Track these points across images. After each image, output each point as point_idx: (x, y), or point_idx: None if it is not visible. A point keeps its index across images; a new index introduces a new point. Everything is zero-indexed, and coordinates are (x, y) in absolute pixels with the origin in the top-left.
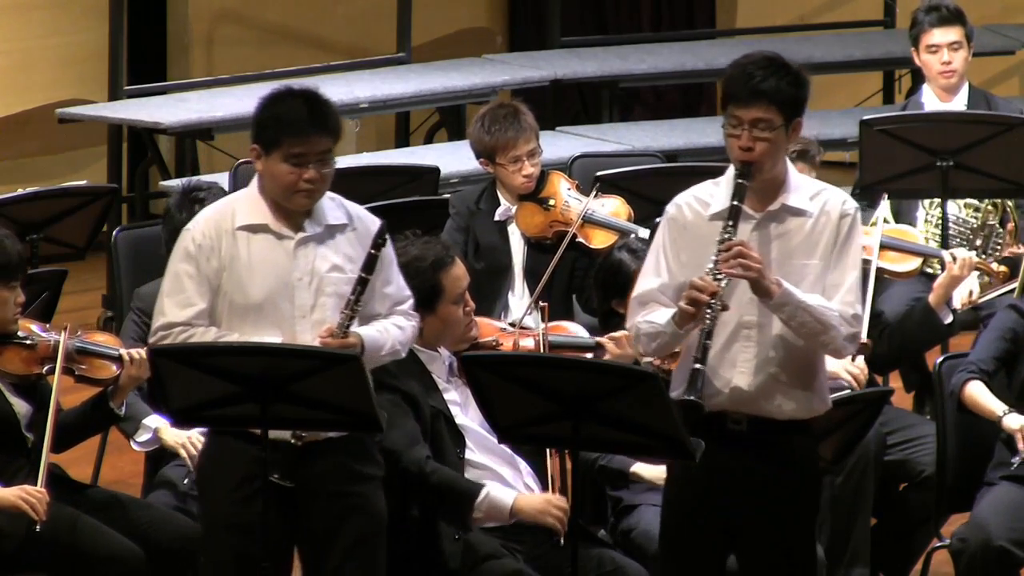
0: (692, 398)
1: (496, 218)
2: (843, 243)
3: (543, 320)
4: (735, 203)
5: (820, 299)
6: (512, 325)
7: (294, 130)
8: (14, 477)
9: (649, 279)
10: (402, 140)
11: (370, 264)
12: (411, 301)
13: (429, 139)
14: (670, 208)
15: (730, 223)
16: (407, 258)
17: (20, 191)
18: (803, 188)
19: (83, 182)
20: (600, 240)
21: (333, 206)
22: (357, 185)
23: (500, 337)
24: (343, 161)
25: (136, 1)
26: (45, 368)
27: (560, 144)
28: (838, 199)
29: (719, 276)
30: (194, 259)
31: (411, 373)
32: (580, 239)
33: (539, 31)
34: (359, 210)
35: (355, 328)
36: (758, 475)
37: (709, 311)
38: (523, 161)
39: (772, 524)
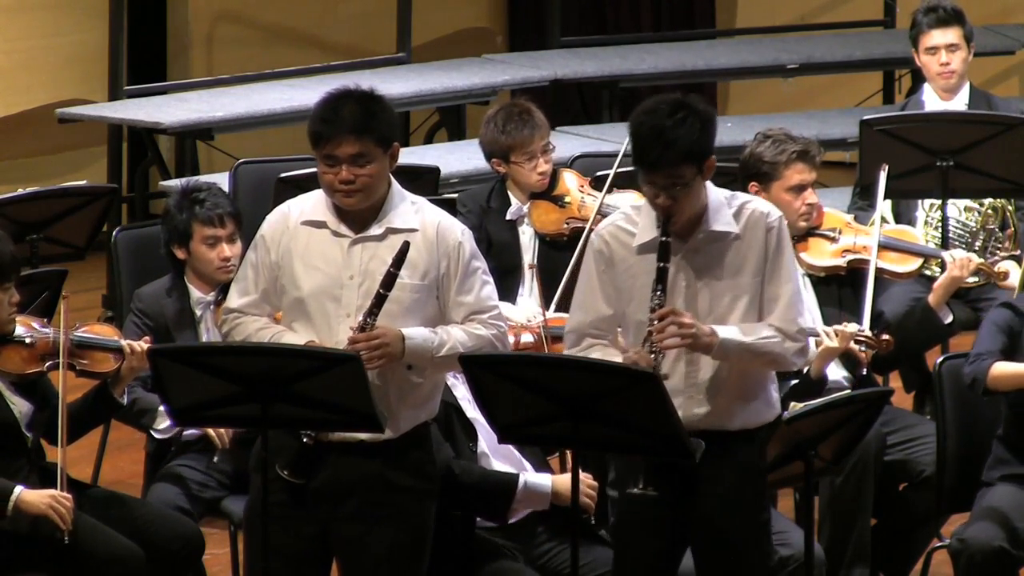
0: (645, 491)
1: (508, 217)
2: (774, 256)
3: (538, 290)
4: (661, 264)
5: (760, 330)
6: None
7: (325, 131)
8: (14, 477)
9: (579, 314)
10: (402, 140)
11: (388, 281)
12: (496, 312)
13: (429, 139)
14: (595, 240)
15: (659, 288)
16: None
17: (20, 191)
18: (724, 207)
19: (83, 182)
20: None
21: (409, 210)
22: None
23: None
24: None
25: (136, 1)
26: (46, 365)
27: (560, 144)
28: (760, 212)
29: (655, 349)
30: (257, 249)
31: None
32: None
33: (539, 31)
34: (439, 217)
35: (404, 328)
36: (706, 479)
37: None
38: (538, 158)
39: (721, 527)
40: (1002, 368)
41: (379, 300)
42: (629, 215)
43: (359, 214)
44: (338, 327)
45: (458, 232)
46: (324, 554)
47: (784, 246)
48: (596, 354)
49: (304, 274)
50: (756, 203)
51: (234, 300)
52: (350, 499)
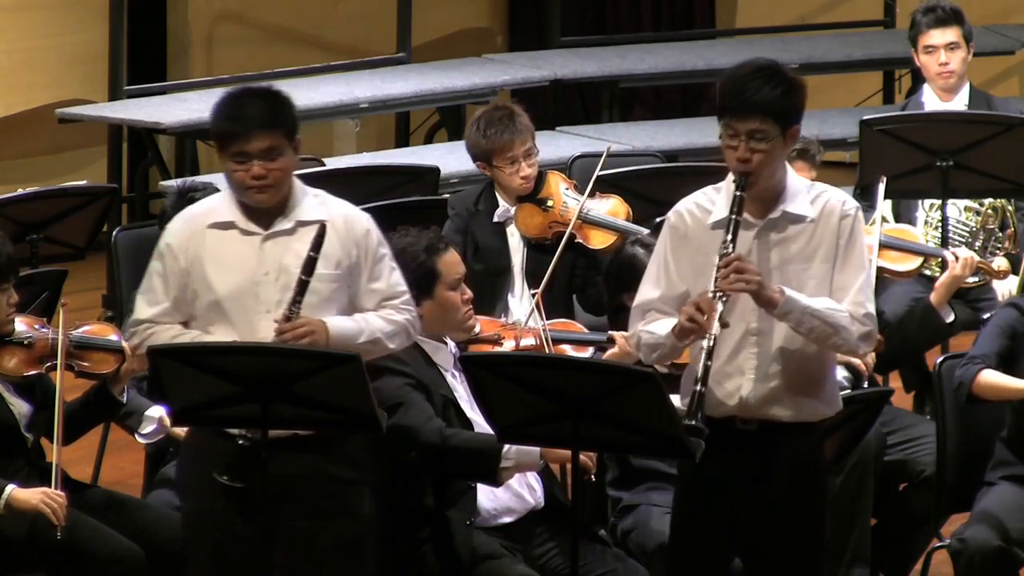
0: (693, 423)
1: (495, 219)
2: (846, 245)
3: (539, 313)
4: (733, 216)
5: (828, 301)
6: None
7: (234, 129)
8: (13, 477)
9: (650, 288)
10: (402, 140)
11: (308, 266)
12: (406, 297)
13: (429, 139)
14: (671, 216)
15: (728, 238)
16: (402, 245)
17: (20, 191)
18: (803, 192)
19: (83, 182)
20: (599, 240)
21: (314, 203)
22: (357, 185)
23: (503, 333)
24: (343, 161)
25: (136, 1)
26: (45, 366)
27: (560, 144)
28: (838, 201)
29: (719, 294)
30: (163, 258)
31: (419, 363)
32: (579, 239)
33: (539, 31)
34: (345, 208)
35: (326, 317)
36: (765, 477)
37: (704, 333)
38: (520, 162)
39: (777, 525)
40: (987, 378)
41: (302, 287)
42: (707, 194)
43: (266, 211)
44: (259, 324)
45: (364, 220)
46: (268, 556)
47: (857, 236)
48: (658, 324)
49: (218, 276)
50: (833, 192)
51: (143, 311)
52: (293, 496)
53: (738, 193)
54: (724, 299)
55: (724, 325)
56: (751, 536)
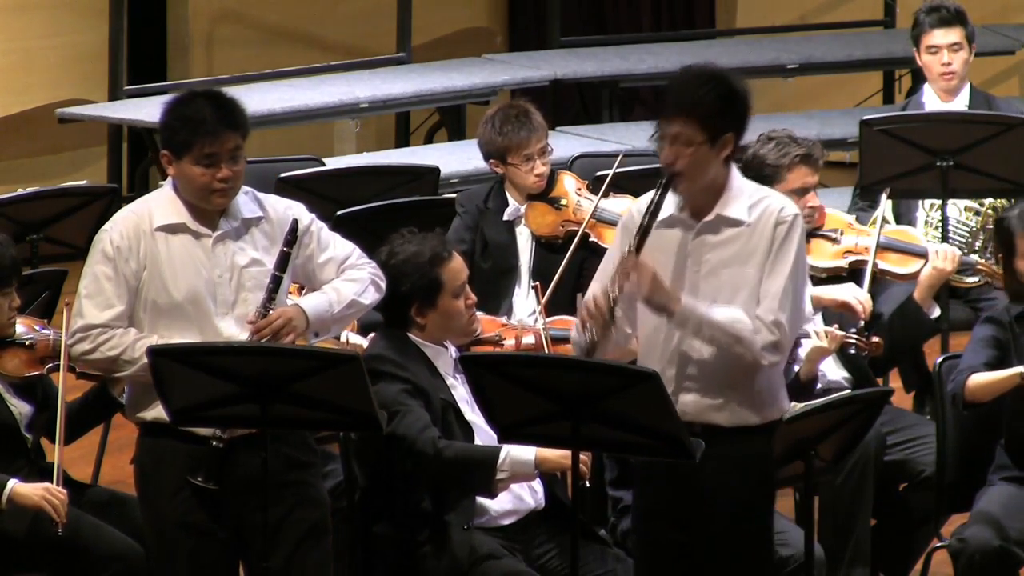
0: None
1: (505, 218)
2: (777, 250)
3: (537, 301)
4: (645, 221)
5: (732, 312)
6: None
7: (203, 130)
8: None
9: (595, 284)
10: (402, 140)
11: (283, 262)
12: (358, 251)
13: (429, 139)
14: (624, 214)
15: (636, 238)
16: (404, 255)
17: (20, 191)
18: (743, 197)
19: (83, 182)
20: (613, 239)
21: (247, 200)
22: (357, 185)
23: (503, 332)
24: (343, 161)
25: (136, 1)
26: (46, 367)
27: (560, 144)
28: (776, 206)
29: (610, 293)
30: (112, 261)
31: (420, 367)
32: (593, 238)
33: (539, 31)
34: (275, 201)
35: (298, 300)
36: (709, 478)
37: (591, 327)
38: (535, 160)
39: (722, 526)
40: (976, 380)
41: (276, 283)
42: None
43: (211, 212)
44: (221, 323)
45: (297, 206)
46: (237, 552)
47: (790, 243)
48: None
49: (175, 280)
50: (776, 199)
51: (95, 316)
52: (259, 489)
53: (658, 195)
54: (615, 299)
55: (608, 324)
56: (697, 537)
